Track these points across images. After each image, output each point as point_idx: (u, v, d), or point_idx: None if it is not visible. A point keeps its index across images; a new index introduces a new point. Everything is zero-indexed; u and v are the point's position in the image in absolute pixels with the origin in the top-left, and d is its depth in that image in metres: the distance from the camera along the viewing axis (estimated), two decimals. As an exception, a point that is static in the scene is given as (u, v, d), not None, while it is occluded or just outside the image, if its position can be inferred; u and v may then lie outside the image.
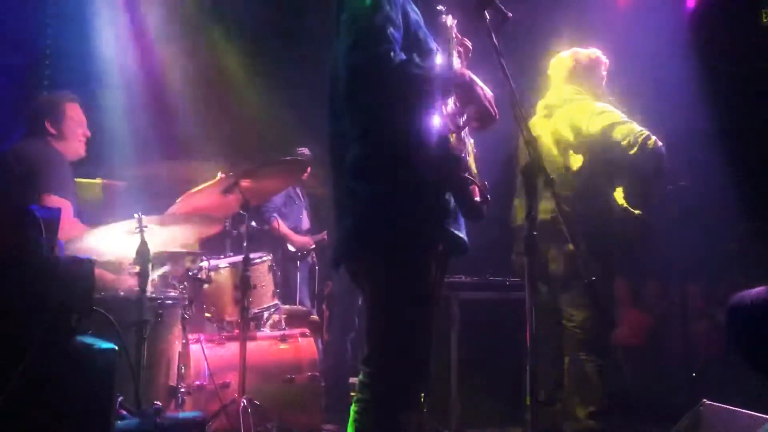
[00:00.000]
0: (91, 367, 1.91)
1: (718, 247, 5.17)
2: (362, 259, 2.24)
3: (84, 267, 1.92)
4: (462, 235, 2.30)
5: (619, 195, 3.68)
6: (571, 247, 3.49)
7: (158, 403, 2.94)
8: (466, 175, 2.19)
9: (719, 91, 5.18)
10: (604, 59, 3.81)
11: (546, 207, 3.46)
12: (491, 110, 2.28)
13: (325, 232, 5.73)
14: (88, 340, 1.96)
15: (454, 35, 2.48)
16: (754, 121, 5.18)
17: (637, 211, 3.60)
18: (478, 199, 2.21)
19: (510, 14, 2.36)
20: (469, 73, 2.27)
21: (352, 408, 2.24)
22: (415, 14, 2.36)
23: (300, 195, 5.86)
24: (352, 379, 5.64)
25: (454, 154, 2.20)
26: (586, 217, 3.51)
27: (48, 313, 1.84)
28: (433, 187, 2.21)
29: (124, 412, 2.35)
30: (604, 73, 3.80)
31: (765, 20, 5.71)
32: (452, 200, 2.26)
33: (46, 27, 5.73)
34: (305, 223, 5.83)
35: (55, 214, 1.88)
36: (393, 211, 2.18)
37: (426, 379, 2.29)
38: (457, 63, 2.43)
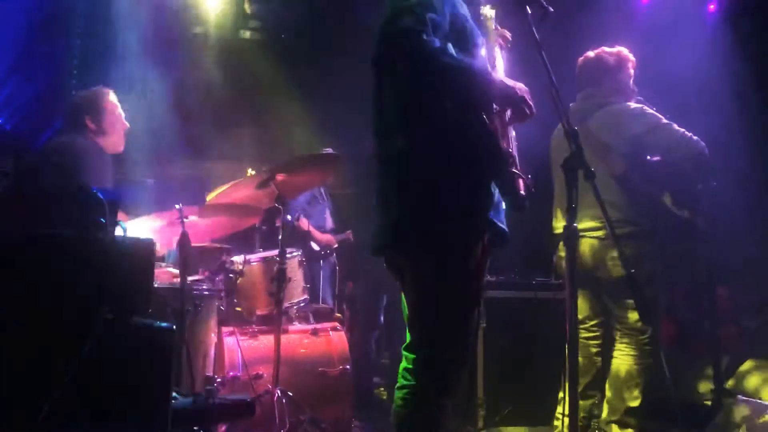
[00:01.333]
0: (151, 345, 1.94)
1: (743, 251, 5.17)
2: (410, 247, 2.26)
3: (145, 248, 1.96)
4: (504, 226, 2.33)
5: (667, 198, 3.70)
6: (616, 252, 3.52)
7: (191, 390, 2.98)
8: (514, 169, 2.23)
9: (748, 93, 5.19)
10: (631, 57, 3.83)
11: (594, 212, 3.48)
12: (526, 109, 2.30)
13: (349, 231, 5.77)
14: (147, 320, 2.00)
15: (494, 27, 2.52)
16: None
17: (685, 213, 3.62)
18: (522, 192, 2.25)
19: (551, 9, 2.40)
20: (496, 77, 2.28)
21: (396, 394, 2.27)
22: (464, 8, 2.39)
23: (323, 195, 5.90)
24: (376, 379, 5.68)
25: (505, 150, 2.24)
26: (632, 222, 3.54)
27: (111, 292, 1.88)
28: (482, 179, 2.25)
29: (175, 394, 2.39)
30: (632, 71, 3.82)
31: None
32: (496, 192, 2.29)
33: (74, 26, 5.82)
34: (329, 223, 5.87)
35: (117, 196, 1.93)
36: (442, 201, 2.20)
37: (467, 365, 2.31)
38: (498, 56, 2.46)
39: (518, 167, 2.26)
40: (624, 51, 3.85)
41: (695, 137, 3.54)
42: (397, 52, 2.15)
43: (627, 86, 3.79)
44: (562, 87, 2.28)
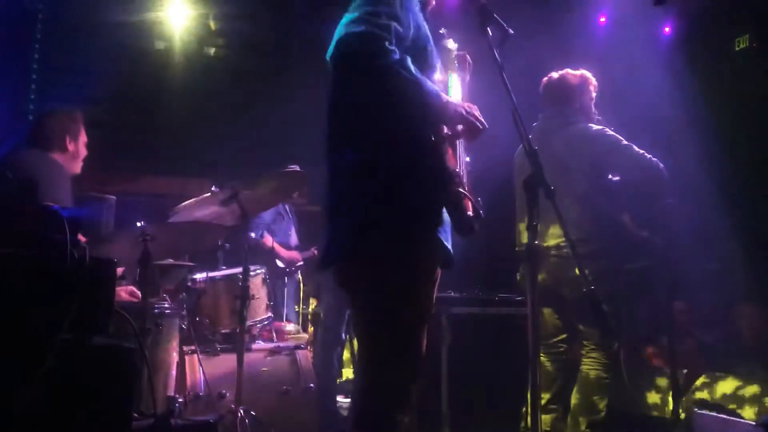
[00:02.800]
0: (112, 365, 1.92)
1: (700, 266, 5.29)
2: (358, 262, 2.22)
3: (107, 268, 1.94)
4: (450, 247, 2.30)
5: (626, 217, 3.77)
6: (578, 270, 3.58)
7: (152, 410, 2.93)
8: (460, 189, 2.21)
9: (702, 112, 5.34)
10: (594, 81, 3.93)
11: (556, 231, 3.53)
12: (477, 124, 2.31)
13: (314, 248, 5.76)
14: (109, 340, 1.97)
15: (455, 58, 2.52)
16: (736, 144, 5.35)
17: (644, 233, 3.70)
18: (470, 213, 2.22)
19: (511, 31, 2.45)
20: (446, 97, 2.27)
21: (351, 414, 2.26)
22: (427, 30, 2.40)
23: (288, 212, 5.89)
24: (341, 397, 5.65)
25: (452, 169, 2.23)
26: (592, 240, 3.60)
27: (70, 312, 1.86)
28: (428, 196, 2.23)
29: (136, 414, 2.35)
30: (594, 94, 3.92)
31: (738, 48, 5.94)
32: (445, 213, 2.27)
33: (34, 40, 5.74)
34: (293, 240, 5.86)
35: (79, 215, 1.90)
36: (391, 216, 2.18)
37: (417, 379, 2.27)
38: (456, 83, 2.45)
39: (466, 188, 2.24)
40: (587, 73, 3.95)
41: (654, 158, 3.64)
42: (357, 56, 2.12)
43: (589, 108, 3.89)
44: (521, 107, 2.31)
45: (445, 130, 2.29)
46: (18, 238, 1.86)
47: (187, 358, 3.57)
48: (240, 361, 3.37)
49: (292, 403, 3.66)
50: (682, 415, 3.78)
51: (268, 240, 5.39)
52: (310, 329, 6.08)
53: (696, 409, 3.20)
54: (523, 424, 3.83)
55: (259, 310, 4.00)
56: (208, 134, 6.18)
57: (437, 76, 2.39)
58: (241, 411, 3.31)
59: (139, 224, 3.10)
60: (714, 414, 3.13)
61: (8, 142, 3.68)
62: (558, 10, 5.82)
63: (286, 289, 5.66)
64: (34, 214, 1.89)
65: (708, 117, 5.47)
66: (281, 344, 3.93)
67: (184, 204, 3.78)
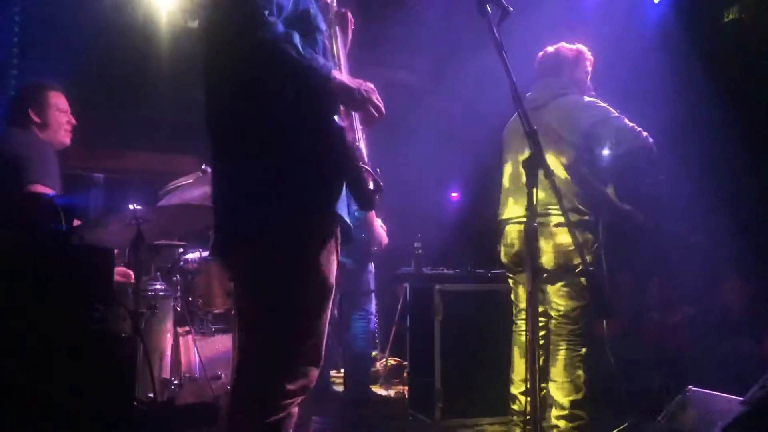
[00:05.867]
0: (112, 353, 1.90)
1: (685, 239, 5.33)
2: (258, 243, 2.08)
3: (104, 255, 1.91)
4: (349, 221, 2.21)
5: (610, 190, 3.76)
6: (560, 239, 3.57)
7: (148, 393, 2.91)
8: (359, 164, 2.12)
9: (691, 82, 5.34)
10: (589, 55, 3.89)
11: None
12: (373, 110, 2.16)
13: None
14: (106, 327, 1.95)
15: (334, 16, 2.34)
16: (721, 116, 5.35)
17: (627, 206, 3.70)
18: (371, 187, 2.15)
19: (511, 9, 2.40)
20: (338, 76, 2.08)
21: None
22: None
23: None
24: (333, 372, 5.66)
25: (350, 143, 2.13)
26: (578, 212, 3.60)
27: (69, 300, 1.83)
28: (326, 172, 2.11)
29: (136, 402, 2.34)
30: (589, 68, 3.89)
31: (727, 18, 5.93)
32: (343, 187, 2.17)
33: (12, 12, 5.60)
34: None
35: (74, 203, 1.86)
36: (291, 195, 2.05)
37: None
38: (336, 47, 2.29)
39: (366, 162, 2.15)
40: (583, 48, 3.91)
41: (644, 132, 3.62)
42: (236, 31, 1.93)
43: (583, 82, 3.86)
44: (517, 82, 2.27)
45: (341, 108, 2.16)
46: (13, 226, 1.83)
47: (181, 339, 3.55)
48: (235, 341, 3.35)
49: (287, 382, 3.65)
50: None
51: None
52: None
53: (690, 386, 3.22)
54: (513, 406, 3.84)
55: (252, 290, 3.96)
56: (196, 109, 6.09)
57: (327, 43, 2.22)
58: (237, 391, 3.30)
59: (131, 207, 3.03)
60: (707, 390, 3.16)
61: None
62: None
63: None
64: (28, 201, 1.85)
65: (698, 87, 5.48)
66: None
67: (174, 184, 3.72)
